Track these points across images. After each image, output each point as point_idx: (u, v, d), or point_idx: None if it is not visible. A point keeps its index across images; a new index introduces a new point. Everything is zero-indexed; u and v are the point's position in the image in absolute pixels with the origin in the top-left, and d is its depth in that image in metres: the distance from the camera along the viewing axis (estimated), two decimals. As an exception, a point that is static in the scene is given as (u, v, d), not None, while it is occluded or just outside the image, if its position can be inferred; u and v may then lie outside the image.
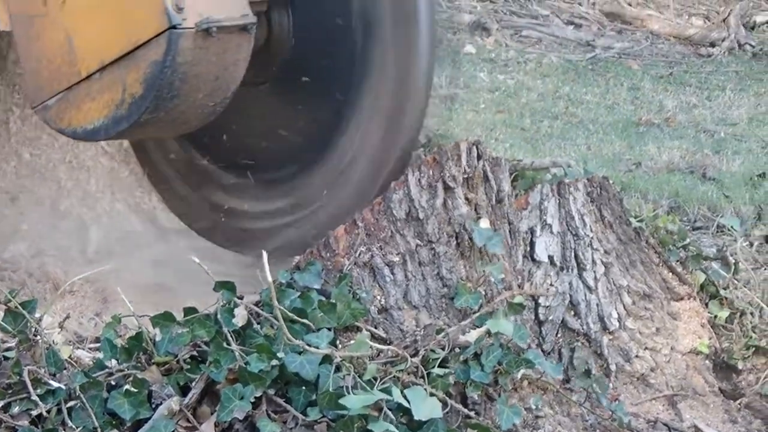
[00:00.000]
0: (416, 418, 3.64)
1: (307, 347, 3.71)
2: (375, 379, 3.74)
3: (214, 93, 4.40)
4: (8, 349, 3.88)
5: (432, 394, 3.73)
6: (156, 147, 5.17)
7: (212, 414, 3.67)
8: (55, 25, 4.37)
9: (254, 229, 4.80)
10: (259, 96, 4.74)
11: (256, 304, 3.82)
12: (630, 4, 11.80)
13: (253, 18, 4.39)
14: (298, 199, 4.72)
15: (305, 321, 3.83)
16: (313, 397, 3.67)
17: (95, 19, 4.32)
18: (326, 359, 3.71)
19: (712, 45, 11.06)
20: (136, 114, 4.34)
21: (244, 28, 4.35)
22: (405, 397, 3.67)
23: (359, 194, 4.58)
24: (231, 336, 3.72)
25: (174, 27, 4.19)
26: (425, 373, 3.80)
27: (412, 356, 3.82)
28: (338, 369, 3.73)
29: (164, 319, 3.83)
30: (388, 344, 3.88)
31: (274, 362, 3.67)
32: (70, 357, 3.92)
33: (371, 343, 3.84)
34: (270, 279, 3.73)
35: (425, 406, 3.66)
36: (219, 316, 3.78)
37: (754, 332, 4.72)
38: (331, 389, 3.66)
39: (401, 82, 4.54)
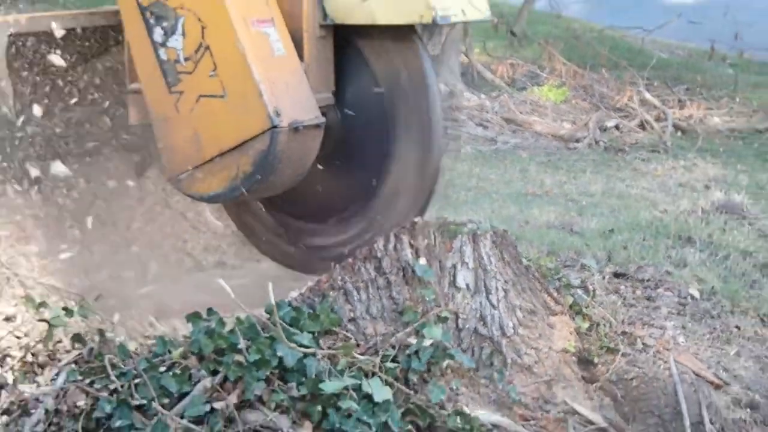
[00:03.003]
0: (376, 400, 3.63)
1: (296, 346, 3.69)
2: (345, 369, 3.73)
3: (298, 168, 4.47)
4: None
5: (386, 381, 3.72)
6: (245, 208, 5.21)
7: (234, 389, 3.65)
8: (186, 124, 4.38)
9: (329, 256, 4.77)
10: (323, 164, 4.76)
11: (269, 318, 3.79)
12: (521, 113, 11.85)
13: (322, 118, 4.45)
14: (358, 230, 4.77)
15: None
16: (303, 379, 3.65)
17: (216, 121, 4.33)
18: (310, 354, 3.69)
19: (577, 141, 11.10)
20: (247, 185, 4.39)
21: (317, 125, 4.42)
22: (369, 385, 3.67)
23: (404, 216, 4.67)
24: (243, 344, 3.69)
25: (275, 127, 4.23)
26: (381, 365, 3.79)
27: (372, 355, 3.83)
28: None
29: (196, 319, 3.81)
30: (355, 346, 3.87)
31: (277, 354, 3.65)
32: (135, 350, 3.88)
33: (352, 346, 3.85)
34: (273, 300, 3.73)
35: (381, 392, 3.66)
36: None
37: (606, 338, 4.72)
38: (312, 374, 3.64)
39: (423, 146, 4.66)
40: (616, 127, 11.74)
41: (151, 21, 4.34)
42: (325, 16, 4.44)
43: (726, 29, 14.97)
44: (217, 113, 4.33)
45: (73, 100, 5.33)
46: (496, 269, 4.44)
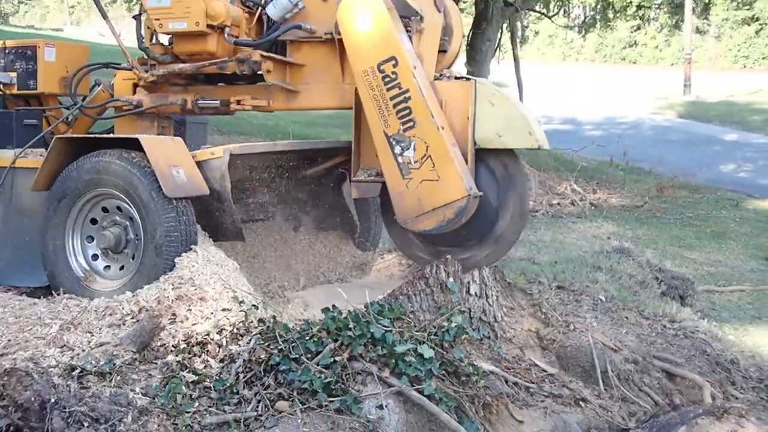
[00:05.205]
0: (425, 357, 3.63)
1: (381, 327, 3.69)
2: (408, 339, 3.72)
3: (468, 216, 4.48)
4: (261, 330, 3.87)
5: (431, 346, 3.71)
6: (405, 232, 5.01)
7: (346, 350, 3.65)
8: (412, 195, 4.46)
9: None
10: None
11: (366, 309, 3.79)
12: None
13: (481, 192, 4.53)
14: (472, 254, 4.69)
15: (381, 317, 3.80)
16: (384, 344, 3.65)
17: (432, 192, 4.41)
18: (389, 330, 3.69)
19: (536, 211, 10.97)
20: (449, 225, 4.44)
21: (478, 196, 4.49)
22: (421, 348, 3.66)
23: (503, 248, 4.69)
24: (352, 325, 3.69)
25: (469, 195, 4.34)
26: (428, 337, 3.77)
27: (423, 332, 3.81)
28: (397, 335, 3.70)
29: (327, 310, 3.80)
30: (413, 326, 3.84)
31: (370, 330, 3.65)
32: (292, 327, 3.90)
33: (411, 327, 3.83)
34: (368, 300, 3.76)
35: (428, 352, 3.64)
36: (339, 319, 3.76)
37: (553, 324, 4.67)
38: (390, 342, 3.64)
39: (519, 212, 4.65)
40: (558, 204, 11.65)
41: (393, 143, 4.43)
42: (475, 143, 4.51)
43: (619, 149, 15.00)
44: (433, 188, 4.39)
45: (264, 190, 5.41)
46: (491, 284, 4.43)
